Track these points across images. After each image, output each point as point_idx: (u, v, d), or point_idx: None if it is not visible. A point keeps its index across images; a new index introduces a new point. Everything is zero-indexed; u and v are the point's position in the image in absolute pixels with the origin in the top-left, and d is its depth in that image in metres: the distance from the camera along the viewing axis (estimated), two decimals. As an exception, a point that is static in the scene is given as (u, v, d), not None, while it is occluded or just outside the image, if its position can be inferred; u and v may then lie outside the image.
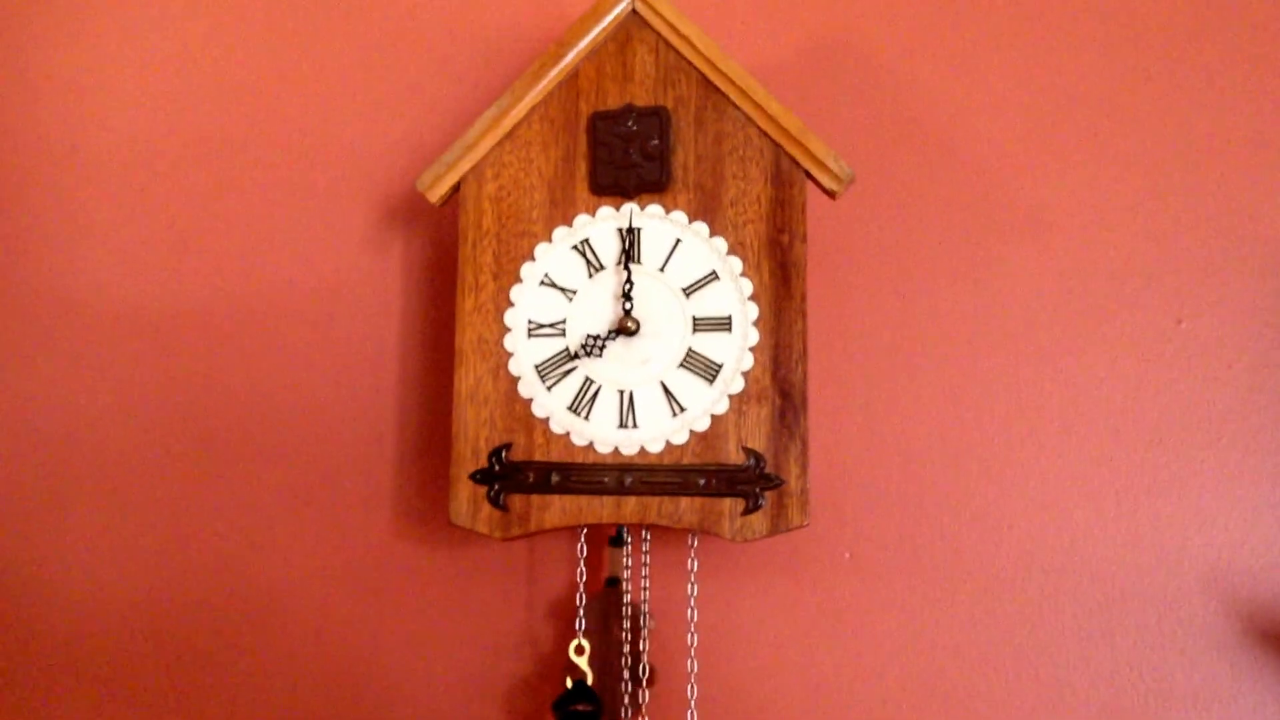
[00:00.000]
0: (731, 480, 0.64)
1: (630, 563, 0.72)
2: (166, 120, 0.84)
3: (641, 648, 0.71)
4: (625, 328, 0.65)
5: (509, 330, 0.66)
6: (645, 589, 0.72)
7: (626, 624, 0.71)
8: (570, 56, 0.66)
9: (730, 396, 0.64)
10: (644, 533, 0.72)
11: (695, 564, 0.70)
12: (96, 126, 0.84)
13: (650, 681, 0.72)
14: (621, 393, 0.65)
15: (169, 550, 0.79)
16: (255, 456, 0.79)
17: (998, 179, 0.77)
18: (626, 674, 0.72)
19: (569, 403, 0.65)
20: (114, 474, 0.80)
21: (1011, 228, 0.77)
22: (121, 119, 0.84)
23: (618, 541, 0.73)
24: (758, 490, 0.63)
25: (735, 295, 0.65)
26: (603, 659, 0.70)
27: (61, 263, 0.83)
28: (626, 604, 0.71)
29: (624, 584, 0.71)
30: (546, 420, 0.65)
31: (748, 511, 0.63)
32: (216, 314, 0.81)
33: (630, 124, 0.66)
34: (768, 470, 0.64)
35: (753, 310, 0.65)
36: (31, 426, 0.81)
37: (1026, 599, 0.74)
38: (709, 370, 0.65)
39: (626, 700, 0.70)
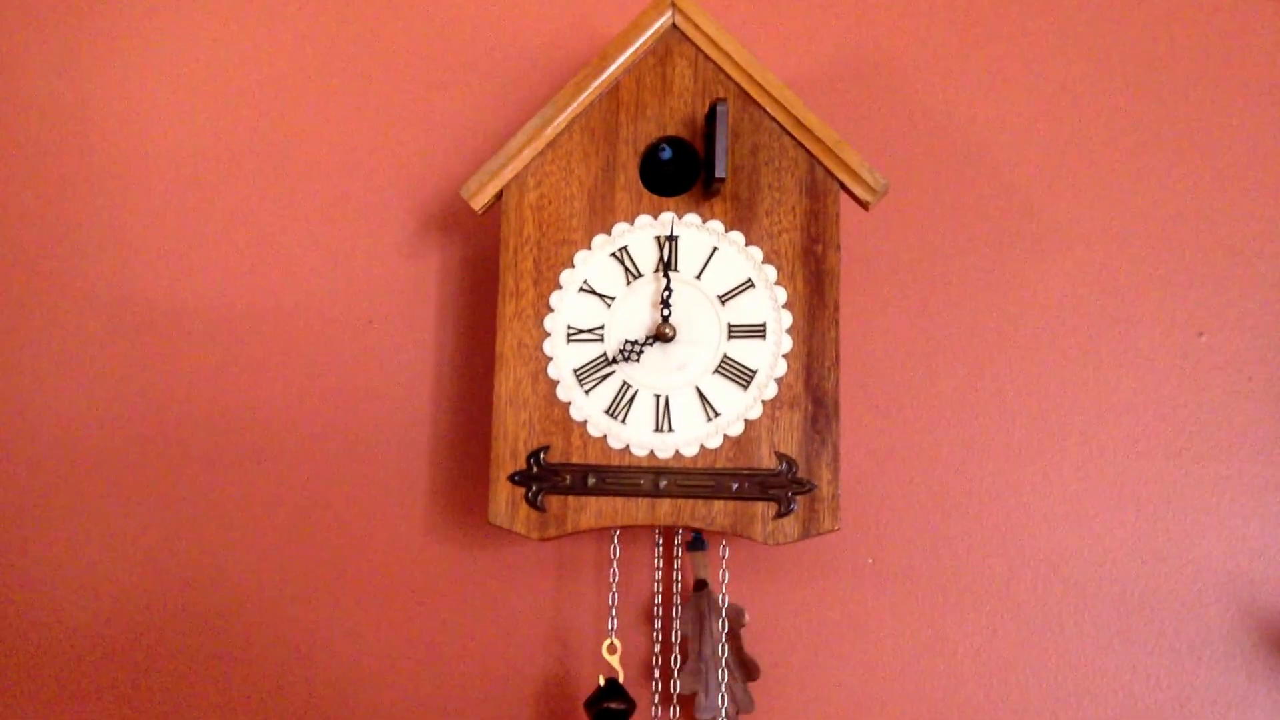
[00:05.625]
0: (764, 484, 0.65)
1: (662, 564, 0.74)
2: (211, 130, 0.85)
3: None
4: (663, 334, 0.66)
5: (548, 335, 0.67)
6: (677, 590, 0.73)
7: (655, 626, 0.72)
8: (611, 69, 0.68)
9: (764, 402, 0.65)
10: (676, 535, 0.74)
11: (726, 575, 0.71)
12: (143, 136, 0.85)
13: (753, 675, 0.73)
14: (658, 397, 0.66)
15: (206, 549, 0.80)
16: (293, 457, 0.80)
17: (1023, 193, 0.79)
18: (656, 673, 0.73)
19: (606, 406, 0.66)
20: (156, 472, 0.81)
21: (1036, 241, 0.78)
22: (167, 128, 0.85)
23: (697, 545, 0.74)
24: (790, 495, 0.64)
25: (770, 303, 0.66)
26: (700, 657, 0.72)
27: (108, 268, 0.83)
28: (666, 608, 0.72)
29: (654, 587, 0.73)
30: (584, 423, 0.66)
31: (780, 515, 0.64)
32: (257, 318, 0.82)
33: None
34: (800, 475, 0.65)
35: (787, 318, 0.66)
36: (71, 424, 0.82)
37: (1047, 605, 0.75)
38: (743, 376, 0.66)
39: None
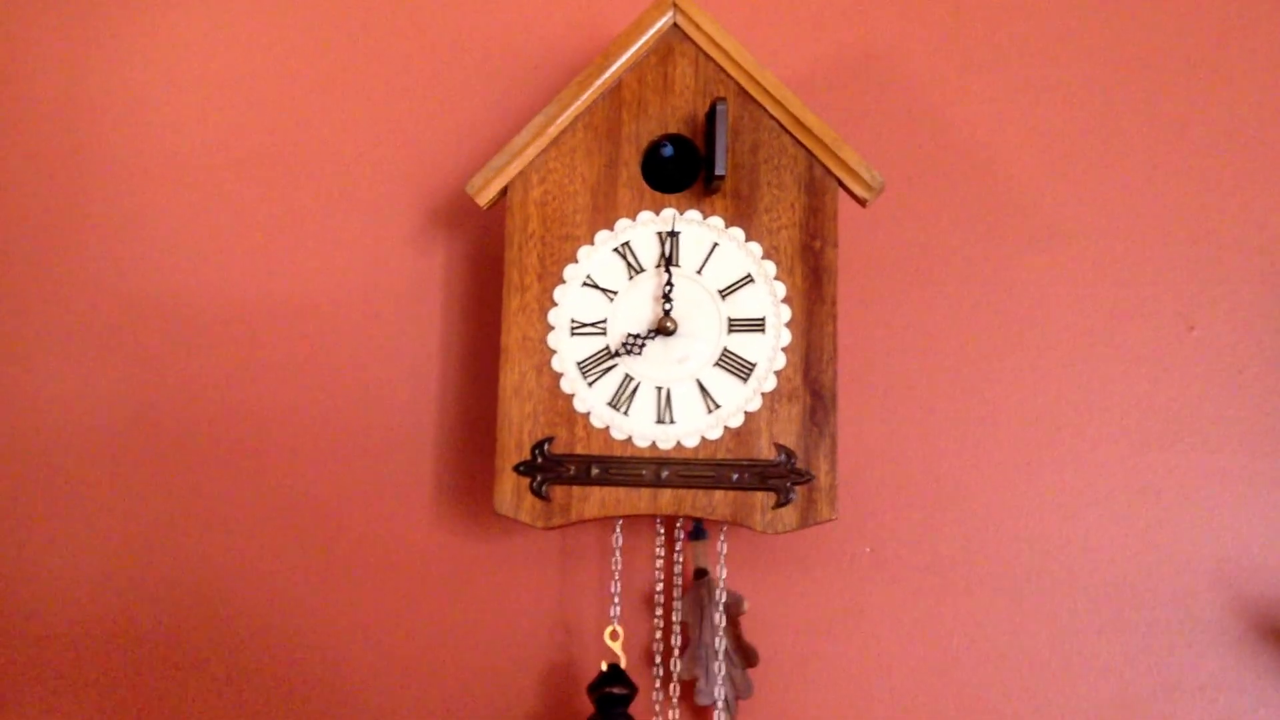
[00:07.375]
0: (763, 475, 0.66)
1: (664, 552, 0.75)
2: (217, 125, 0.85)
3: (683, 636, 0.74)
4: (664, 327, 0.67)
5: (552, 329, 0.68)
6: (678, 580, 0.74)
7: (656, 613, 0.74)
8: (614, 68, 0.69)
9: (763, 394, 0.67)
10: (677, 524, 0.75)
11: (725, 570, 0.72)
12: (149, 131, 0.86)
13: (752, 662, 0.74)
14: (659, 389, 0.67)
15: (211, 541, 0.81)
16: (299, 449, 0.81)
17: (1016, 189, 0.80)
18: (657, 659, 0.75)
19: (609, 398, 0.68)
20: (161, 464, 0.82)
21: (1029, 236, 0.79)
22: (173, 124, 0.86)
23: (698, 535, 0.75)
24: (788, 485, 0.66)
25: (769, 298, 0.67)
26: (700, 644, 0.74)
27: (114, 263, 0.84)
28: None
29: (655, 575, 0.74)
30: (587, 415, 0.68)
31: (779, 505, 0.66)
32: (264, 312, 0.83)
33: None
34: (798, 466, 0.66)
35: (785, 312, 0.67)
36: (77, 418, 0.83)
37: (1040, 594, 0.76)
38: (743, 369, 0.67)
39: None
